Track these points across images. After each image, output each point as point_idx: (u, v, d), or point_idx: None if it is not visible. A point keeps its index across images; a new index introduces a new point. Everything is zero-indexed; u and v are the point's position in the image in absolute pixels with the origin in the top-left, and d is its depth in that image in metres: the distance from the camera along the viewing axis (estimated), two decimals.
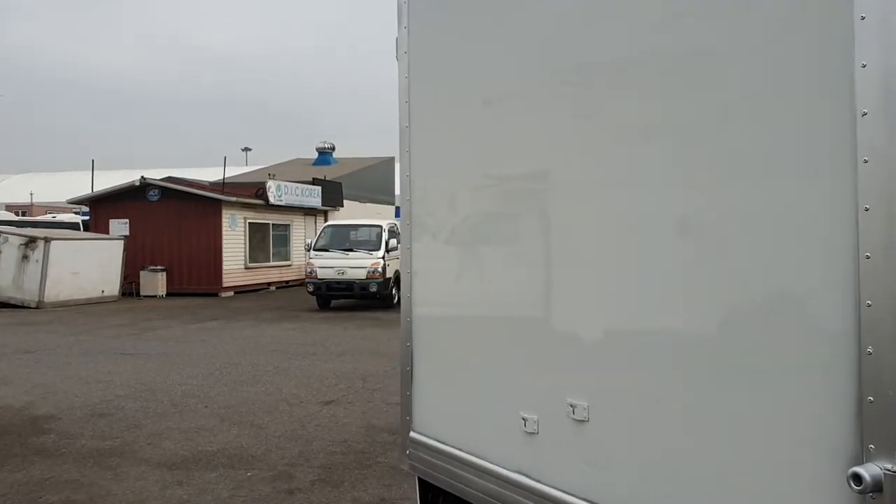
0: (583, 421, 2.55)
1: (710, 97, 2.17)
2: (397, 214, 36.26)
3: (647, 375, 2.33)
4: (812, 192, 1.90)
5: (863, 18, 1.78)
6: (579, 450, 2.57)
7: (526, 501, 2.75)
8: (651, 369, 2.32)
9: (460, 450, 3.09)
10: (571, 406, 2.57)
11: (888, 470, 1.72)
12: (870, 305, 1.77)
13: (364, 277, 19.77)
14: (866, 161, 1.77)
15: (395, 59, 3.52)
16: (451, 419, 3.18)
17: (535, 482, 2.73)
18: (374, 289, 19.79)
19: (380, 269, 19.89)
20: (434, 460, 3.24)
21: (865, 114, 1.77)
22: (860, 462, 1.78)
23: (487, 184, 3.12)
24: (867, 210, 1.77)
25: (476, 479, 2.99)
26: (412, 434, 3.41)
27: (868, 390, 1.77)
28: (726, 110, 2.12)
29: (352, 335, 15.14)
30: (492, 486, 2.91)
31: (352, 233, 21.60)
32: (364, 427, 7.77)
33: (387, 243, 20.35)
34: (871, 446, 1.77)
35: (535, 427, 2.74)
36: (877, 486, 1.73)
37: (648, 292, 2.35)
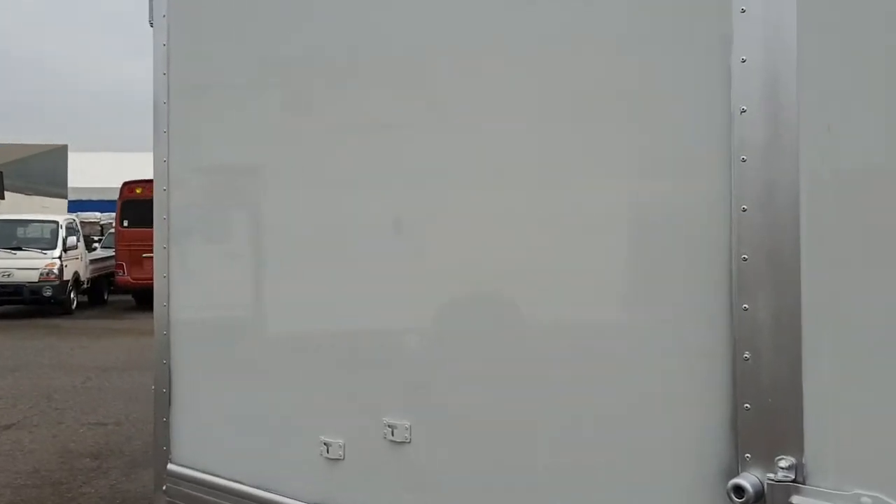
0: (403, 442, 2.27)
1: (569, 88, 2.01)
2: (70, 209, 32.81)
3: (484, 388, 2.12)
4: (686, 192, 1.81)
5: (743, 11, 1.71)
6: (398, 474, 2.29)
7: None
8: (489, 381, 2.11)
9: (240, 482, 2.66)
10: (389, 427, 2.28)
11: (770, 479, 1.66)
12: (746, 309, 1.71)
13: (36, 280, 17.54)
14: (744, 160, 1.71)
15: (149, 23, 2.97)
16: (228, 448, 2.73)
17: None
18: (48, 293, 17.64)
19: (56, 271, 17.79)
20: (203, 496, 2.76)
21: (744, 111, 1.71)
22: (735, 473, 1.72)
23: (254, 173, 2.73)
24: (744, 211, 1.71)
25: None
26: (171, 467, 2.88)
27: (744, 397, 1.71)
28: (580, 104, 1.98)
29: (25, 347, 13.32)
30: None
31: (20, 229, 19.11)
32: (58, 453, 6.76)
33: (64, 241, 18.29)
34: (748, 455, 1.71)
35: (340, 452, 2.40)
36: (758, 497, 1.67)
37: (487, 290, 2.15)
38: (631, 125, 1.89)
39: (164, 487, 2.91)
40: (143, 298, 19.87)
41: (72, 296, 18.38)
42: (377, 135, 2.37)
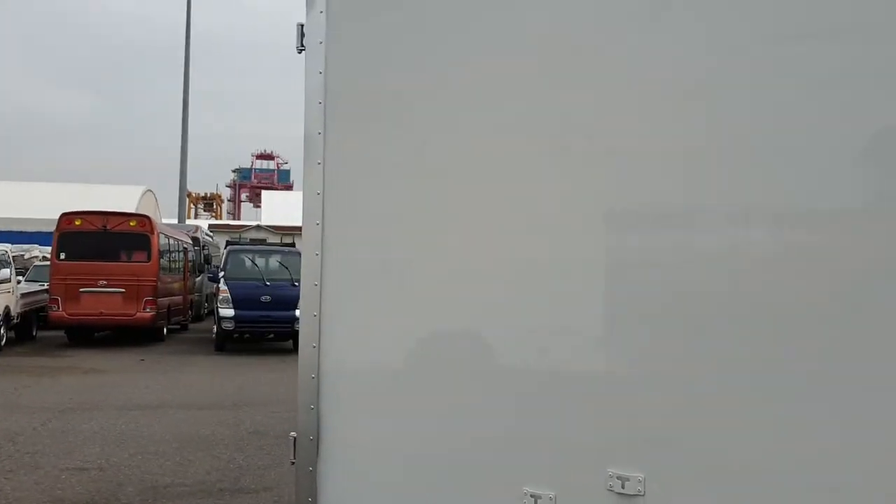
0: (636, 496, 2.17)
1: None
2: None
3: (738, 435, 2.05)
4: None
5: None
6: None
7: None
8: (743, 426, 2.04)
9: None
10: (618, 479, 2.18)
11: None
12: None
13: None
14: None
15: (298, 49, 2.84)
16: (397, 500, 2.56)
17: None
18: None
19: None
20: None
21: None
22: None
23: (426, 207, 2.61)
24: None
25: None
26: None
27: None
28: None
29: None
30: None
31: None
32: (50, 502, 6.29)
33: None
34: None
35: None
36: None
37: (746, 320, 2.07)
38: None
39: None
40: (76, 335, 18.99)
41: (1, 331, 17.37)
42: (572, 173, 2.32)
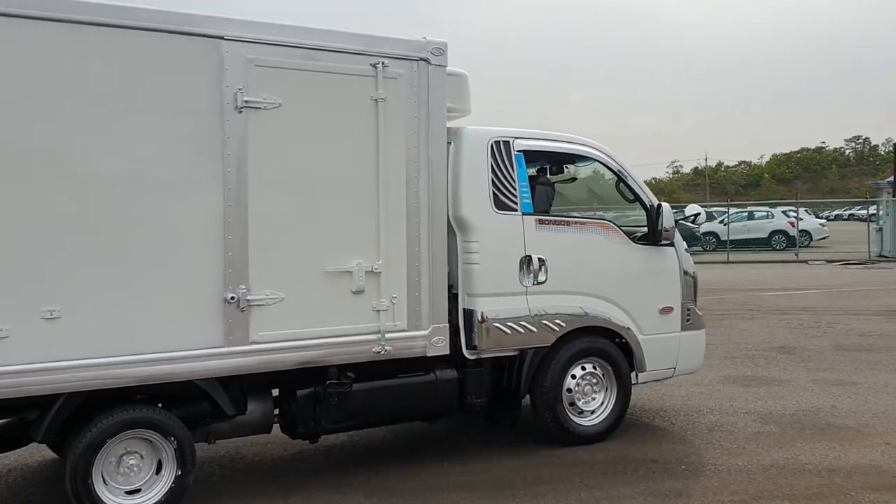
0: (55, 318, 4.37)
1: None
2: None
3: (98, 283, 4.51)
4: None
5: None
6: (51, 337, 4.34)
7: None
8: (99, 275, 4.52)
9: None
10: (48, 311, 4.36)
11: (243, 290, 4.80)
12: (230, 238, 4.80)
13: None
14: (229, 188, 4.80)
15: None
16: None
17: (7, 366, 4.28)
18: None
19: None
20: None
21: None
22: (225, 290, 4.78)
23: None
24: (229, 205, 4.79)
25: None
26: None
27: (229, 270, 4.80)
28: None
29: None
30: None
31: None
32: None
33: None
34: (230, 286, 4.80)
35: (7, 333, 4.27)
36: (233, 301, 4.78)
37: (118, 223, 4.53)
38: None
39: None
40: None
41: None
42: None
